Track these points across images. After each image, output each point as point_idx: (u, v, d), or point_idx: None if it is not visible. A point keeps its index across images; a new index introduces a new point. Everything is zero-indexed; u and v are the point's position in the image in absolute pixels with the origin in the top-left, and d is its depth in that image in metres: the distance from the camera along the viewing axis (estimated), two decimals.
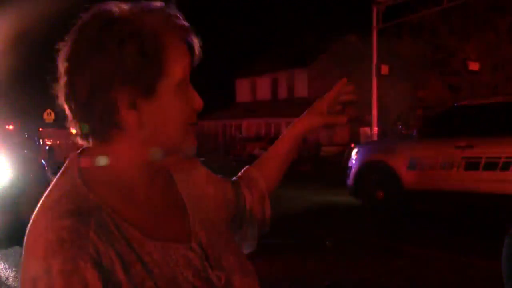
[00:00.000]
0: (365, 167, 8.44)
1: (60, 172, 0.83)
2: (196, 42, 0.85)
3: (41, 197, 0.80)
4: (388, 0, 15.61)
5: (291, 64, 34.24)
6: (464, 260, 5.34)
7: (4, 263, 5.35)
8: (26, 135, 18.47)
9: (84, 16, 0.80)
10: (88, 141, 0.83)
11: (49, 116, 25.88)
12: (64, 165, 0.84)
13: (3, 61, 19.38)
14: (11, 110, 25.42)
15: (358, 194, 8.60)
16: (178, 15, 0.83)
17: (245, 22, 71.82)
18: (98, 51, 0.76)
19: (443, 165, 7.36)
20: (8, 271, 5.06)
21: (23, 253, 0.75)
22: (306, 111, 1.17)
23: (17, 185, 5.54)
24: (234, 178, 1.13)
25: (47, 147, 20.21)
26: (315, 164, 20.78)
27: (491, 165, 6.85)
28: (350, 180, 8.61)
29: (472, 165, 7.05)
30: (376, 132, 16.11)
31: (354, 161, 8.63)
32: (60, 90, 0.81)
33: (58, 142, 20.89)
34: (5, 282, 4.75)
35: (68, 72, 0.79)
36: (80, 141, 0.84)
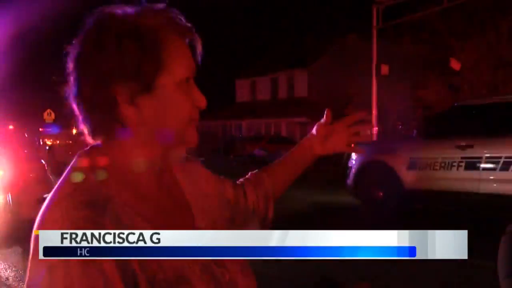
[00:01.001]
0: (365, 167, 8.44)
1: (70, 167, 0.84)
2: (198, 42, 0.86)
3: (41, 197, 0.81)
4: (388, 0, 15.60)
5: (291, 64, 34.24)
6: (464, 260, 5.33)
7: (4, 263, 5.34)
8: (26, 135, 18.46)
9: (88, 19, 0.83)
10: (95, 140, 0.86)
11: (49, 116, 25.89)
12: (73, 161, 0.86)
13: (3, 61, 19.39)
14: (12, 110, 25.43)
15: (358, 194, 8.60)
16: (180, 16, 0.85)
17: (245, 22, 71.90)
18: (99, 49, 0.79)
19: (443, 165, 7.36)
20: (8, 271, 5.05)
21: (32, 243, 0.74)
22: (325, 129, 1.26)
23: (17, 185, 5.54)
24: (241, 179, 1.17)
25: (47, 147, 20.20)
26: (315, 164, 20.74)
27: (491, 165, 6.86)
28: (350, 180, 8.61)
29: (472, 165, 7.05)
30: (376, 132, 16.10)
31: (354, 161, 8.63)
32: (69, 90, 0.85)
33: (58, 142, 20.89)
34: (5, 282, 4.74)
35: (74, 72, 0.82)
36: (88, 140, 0.87)
